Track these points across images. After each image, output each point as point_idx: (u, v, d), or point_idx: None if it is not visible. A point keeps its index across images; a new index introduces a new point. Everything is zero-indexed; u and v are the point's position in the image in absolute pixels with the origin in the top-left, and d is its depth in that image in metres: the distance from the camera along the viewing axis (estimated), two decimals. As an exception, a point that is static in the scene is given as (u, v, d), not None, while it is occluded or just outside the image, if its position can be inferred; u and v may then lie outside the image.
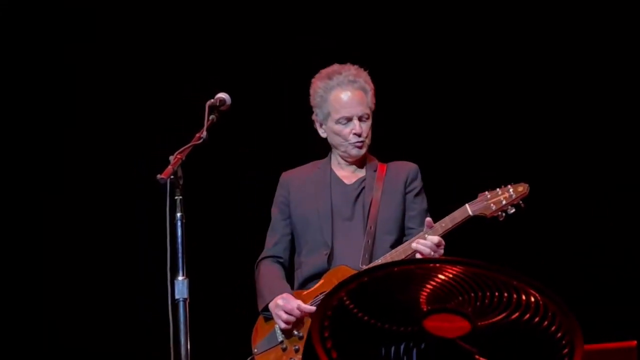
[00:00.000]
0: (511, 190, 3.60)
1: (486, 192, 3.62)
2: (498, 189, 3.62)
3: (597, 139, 5.11)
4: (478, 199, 3.61)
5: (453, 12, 5.20)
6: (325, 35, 5.17)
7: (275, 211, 3.93)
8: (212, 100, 3.38)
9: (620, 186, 5.08)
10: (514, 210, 3.60)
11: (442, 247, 3.58)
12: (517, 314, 2.01)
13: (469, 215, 3.60)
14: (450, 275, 2.06)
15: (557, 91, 5.12)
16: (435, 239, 3.56)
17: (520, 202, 3.60)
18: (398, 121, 5.06)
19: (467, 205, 3.61)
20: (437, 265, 2.11)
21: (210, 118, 3.35)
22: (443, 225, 3.60)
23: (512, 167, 4.97)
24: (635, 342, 3.93)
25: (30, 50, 5.26)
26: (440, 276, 2.06)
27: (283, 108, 5.21)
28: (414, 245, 3.57)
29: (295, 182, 3.91)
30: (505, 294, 2.03)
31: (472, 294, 2.04)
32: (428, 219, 3.62)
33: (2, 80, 5.24)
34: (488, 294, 2.03)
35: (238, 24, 5.33)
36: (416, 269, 2.10)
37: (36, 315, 5.22)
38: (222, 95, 3.41)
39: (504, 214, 3.60)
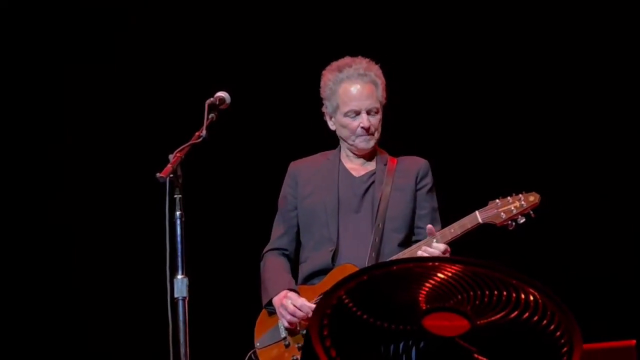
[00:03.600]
0: (522, 199, 3.53)
1: (497, 200, 3.55)
2: (509, 197, 3.55)
3: (598, 140, 5.12)
4: (488, 206, 3.55)
5: (482, 15, 5.17)
6: (330, 32, 5.16)
7: (282, 202, 3.84)
8: (211, 99, 3.37)
9: (619, 185, 5.07)
10: (524, 219, 3.53)
11: (448, 254, 3.51)
12: (516, 313, 2.01)
13: (479, 223, 3.54)
14: (449, 274, 2.06)
15: (580, 103, 5.07)
16: (442, 246, 3.51)
17: (531, 211, 3.53)
18: (414, 118, 5.03)
19: (477, 212, 3.55)
20: (436, 264, 2.11)
21: (210, 117, 3.32)
22: (452, 231, 3.54)
23: (514, 170, 4.97)
24: (634, 342, 3.94)
25: (31, 49, 5.26)
26: (440, 275, 2.06)
27: (282, 107, 5.20)
28: (419, 253, 3.51)
29: (303, 172, 3.84)
30: (504, 293, 2.03)
31: (471, 293, 2.04)
32: (429, 226, 3.56)
33: (2, 78, 5.25)
34: (487, 292, 2.03)
35: (238, 22, 5.33)
36: (415, 267, 2.10)
37: (35, 314, 5.22)
38: (221, 93, 3.39)
39: (514, 223, 3.53)
